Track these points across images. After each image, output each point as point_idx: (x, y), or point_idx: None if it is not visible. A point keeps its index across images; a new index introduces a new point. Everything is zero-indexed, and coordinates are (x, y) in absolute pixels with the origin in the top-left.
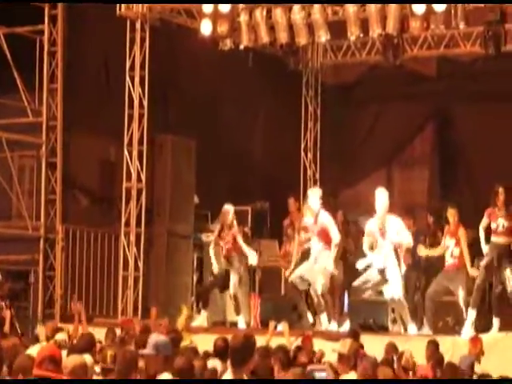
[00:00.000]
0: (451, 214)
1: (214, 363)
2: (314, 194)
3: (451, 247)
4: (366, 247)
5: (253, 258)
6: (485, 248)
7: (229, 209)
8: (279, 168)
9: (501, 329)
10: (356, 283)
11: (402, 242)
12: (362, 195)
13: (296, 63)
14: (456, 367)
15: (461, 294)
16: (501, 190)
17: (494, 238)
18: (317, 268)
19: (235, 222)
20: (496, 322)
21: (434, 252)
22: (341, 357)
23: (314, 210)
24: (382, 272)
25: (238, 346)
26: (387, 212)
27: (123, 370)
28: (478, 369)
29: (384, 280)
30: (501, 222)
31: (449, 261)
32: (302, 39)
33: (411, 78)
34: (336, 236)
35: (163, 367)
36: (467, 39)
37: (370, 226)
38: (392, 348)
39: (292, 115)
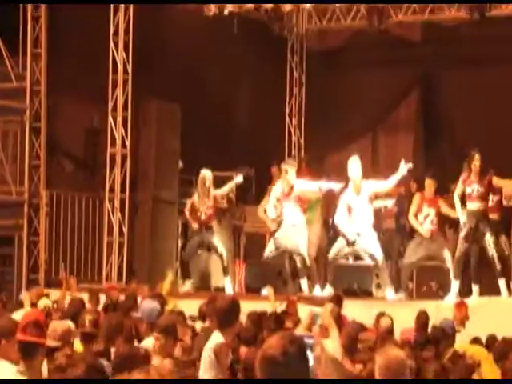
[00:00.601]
0: (429, 184)
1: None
2: (291, 167)
3: (431, 216)
4: (339, 219)
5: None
6: (461, 216)
7: (205, 174)
8: (264, 134)
9: (483, 293)
10: (330, 255)
11: (384, 204)
12: (347, 161)
13: (281, 29)
14: (441, 329)
15: (447, 256)
16: (477, 156)
17: (469, 204)
18: (297, 232)
19: (212, 188)
20: (475, 288)
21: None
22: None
23: (291, 183)
24: (357, 238)
25: (224, 308)
26: (361, 179)
27: (108, 334)
28: (465, 333)
29: (356, 248)
30: (475, 187)
31: (428, 227)
32: (286, 4)
33: (396, 44)
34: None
35: (146, 332)
36: (452, 4)
37: (344, 198)
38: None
39: (277, 81)
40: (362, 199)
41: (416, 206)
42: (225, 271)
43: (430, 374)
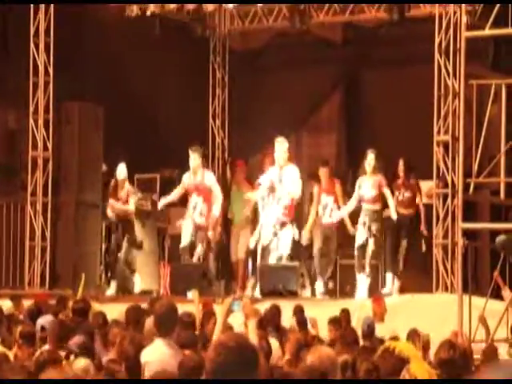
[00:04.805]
0: (322, 173)
1: None
2: (195, 153)
3: (330, 205)
4: (258, 196)
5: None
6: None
7: (122, 167)
8: (188, 135)
9: (404, 291)
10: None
11: (292, 192)
12: (270, 162)
13: (203, 30)
14: (352, 330)
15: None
16: (401, 162)
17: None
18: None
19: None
20: (397, 283)
21: (309, 223)
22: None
23: (194, 168)
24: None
25: (164, 313)
26: (287, 161)
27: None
28: (383, 327)
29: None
30: (402, 192)
31: (327, 220)
32: (209, 5)
33: (318, 44)
34: (219, 195)
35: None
36: (372, 5)
37: (270, 175)
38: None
39: (200, 82)
40: (284, 179)
41: (315, 200)
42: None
43: (361, 373)
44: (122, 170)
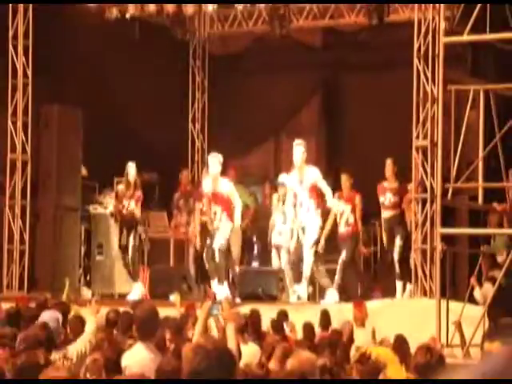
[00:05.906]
0: (345, 179)
1: None
2: (214, 159)
3: (346, 213)
4: (288, 205)
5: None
6: None
7: (132, 166)
8: (167, 139)
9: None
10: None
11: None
12: (250, 166)
13: (183, 33)
14: (339, 332)
15: (342, 255)
16: (388, 161)
17: (382, 213)
18: (218, 235)
19: (138, 184)
20: (399, 286)
21: (328, 225)
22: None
23: (214, 176)
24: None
25: (144, 317)
26: (305, 163)
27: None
28: (364, 332)
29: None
30: (388, 196)
31: (342, 229)
32: (189, 8)
33: (297, 49)
34: (238, 203)
35: None
36: (351, 10)
37: (289, 180)
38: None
39: (180, 85)
40: (306, 180)
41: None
42: (134, 277)
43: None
44: (130, 170)
